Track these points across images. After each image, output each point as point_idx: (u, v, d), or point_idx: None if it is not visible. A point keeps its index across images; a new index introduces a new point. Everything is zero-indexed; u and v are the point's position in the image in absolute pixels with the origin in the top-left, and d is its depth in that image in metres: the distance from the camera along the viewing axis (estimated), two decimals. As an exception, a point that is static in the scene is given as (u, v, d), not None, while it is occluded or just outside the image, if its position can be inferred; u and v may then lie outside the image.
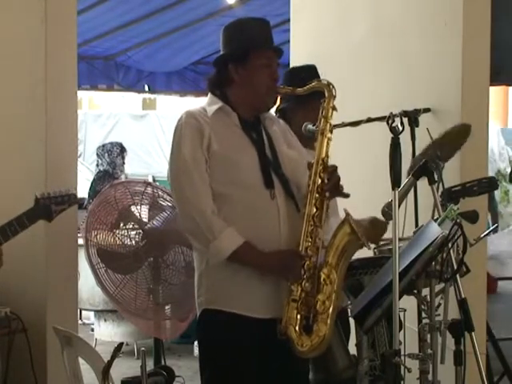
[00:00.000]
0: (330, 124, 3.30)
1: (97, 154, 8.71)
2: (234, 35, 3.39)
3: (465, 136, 3.87)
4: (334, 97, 3.31)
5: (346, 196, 3.31)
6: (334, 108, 3.31)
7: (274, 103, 3.47)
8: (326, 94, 3.32)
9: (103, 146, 8.82)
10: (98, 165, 8.66)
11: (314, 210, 3.22)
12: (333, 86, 3.32)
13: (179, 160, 3.27)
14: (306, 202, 3.23)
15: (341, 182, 3.30)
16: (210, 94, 3.42)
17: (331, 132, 3.30)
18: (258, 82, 3.33)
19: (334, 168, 3.26)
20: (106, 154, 8.50)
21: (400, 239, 3.18)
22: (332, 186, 3.25)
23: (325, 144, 3.28)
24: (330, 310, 3.16)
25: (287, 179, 3.33)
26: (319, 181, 3.24)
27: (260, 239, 3.21)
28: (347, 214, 3.21)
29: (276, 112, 4.02)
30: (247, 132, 3.35)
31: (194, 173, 3.23)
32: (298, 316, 3.17)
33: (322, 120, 3.30)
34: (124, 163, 8.66)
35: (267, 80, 3.34)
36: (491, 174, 11.25)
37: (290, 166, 3.38)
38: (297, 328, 3.16)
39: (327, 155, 3.27)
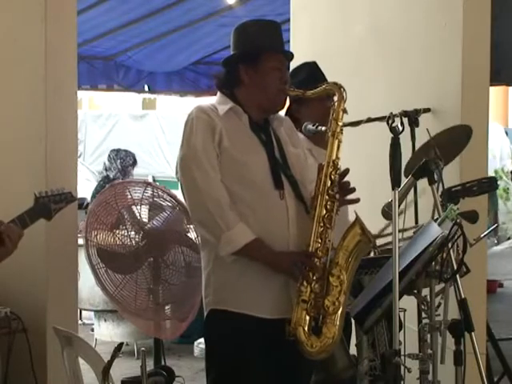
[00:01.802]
0: (340, 126, 3.30)
1: (109, 156, 8.67)
2: (246, 36, 3.38)
3: (466, 138, 3.89)
4: (345, 99, 3.31)
5: (356, 202, 3.32)
6: (344, 110, 3.31)
7: (283, 105, 3.47)
8: (337, 97, 3.32)
9: (117, 151, 8.79)
10: (106, 169, 8.61)
11: (324, 211, 3.22)
12: (344, 89, 3.32)
13: (190, 151, 3.26)
14: (316, 203, 3.23)
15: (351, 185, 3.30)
16: (219, 93, 3.41)
17: (341, 134, 3.30)
18: (268, 85, 3.33)
19: (343, 175, 3.27)
20: (118, 161, 8.47)
21: (400, 239, 3.19)
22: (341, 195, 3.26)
23: (335, 146, 3.27)
24: (339, 311, 3.16)
25: (296, 180, 3.33)
26: (329, 183, 3.23)
27: (269, 239, 3.20)
28: (357, 216, 3.21)
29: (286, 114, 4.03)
30: (257, 133, 3.34)
31: (206, 163, 3.22)
32: (307, 317, 3.16)
33: (333, 122, 3.30)
34: (132, 174, 8.66)
35: (277, 82, 3.34)
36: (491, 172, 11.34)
37: (298, 166, 3.39)
38: (306, 329, 3.15)
39: (338, 157, 3.27)
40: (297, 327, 3.15)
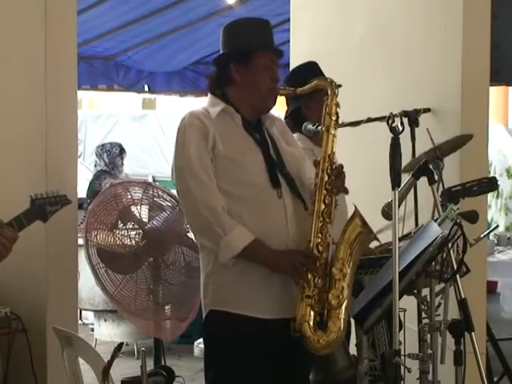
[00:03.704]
0: (334, 121, 3.30)
1: (96, 154, 8.65)
2: (236, 35, 3.37)
3: (464, 142, 3.92)
4: (337, 94, 3.32)
5: (346, 192, 3.32)
6: (337, 105, 3.32)
7: (274, 104, 3.47)
8: (329, 92, 3.32)
9: (102, 145, 8.76)
10: (95, 165, 8.60)
11: (323, 206, 3.22)
12: (335, 84, 3.33)
13: (184, 160, 3.25)
14: (315, 199, 3.23)
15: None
16: (210, 95, 3.40)
17: (335, 128, 3.30)
18: (259, 83, 3.32)
19: (340, 169, 3.27)
20: (104, 154, 8.44)
21: (400, 239, 3.19)
22: (338, 184, 3.26)
23: (330, 141, 3.29)
24: (344, 304, 3.16)
25: (293, 178, 3.34)
26: (326, 177, 3.24)
27: (268, 238, 3.20)
28: (356, 208, 3.21)
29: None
30: (251, 133, 3.34)
31: (200, 171, 3.21)
32: (312, 312, 3.16)
33: (326, 117, 3.31)
34: (123, 164, 8.61)
35: (268, 81, 3.33)
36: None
37: (294, 164, 3.39)
38: (311, 324, 3.15)
39: (333, 152, 3.28)
40: (302, 323, 3.15)
